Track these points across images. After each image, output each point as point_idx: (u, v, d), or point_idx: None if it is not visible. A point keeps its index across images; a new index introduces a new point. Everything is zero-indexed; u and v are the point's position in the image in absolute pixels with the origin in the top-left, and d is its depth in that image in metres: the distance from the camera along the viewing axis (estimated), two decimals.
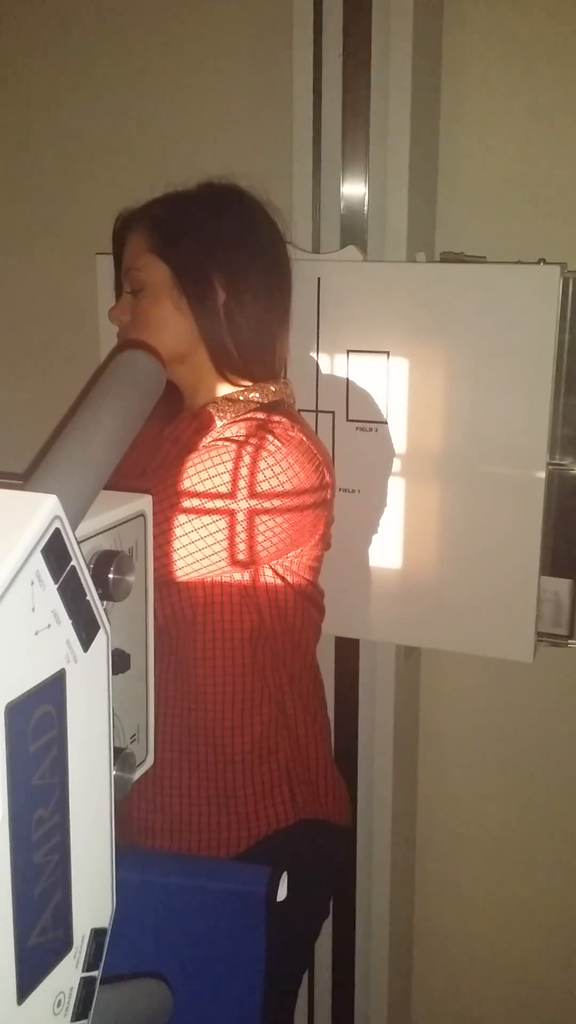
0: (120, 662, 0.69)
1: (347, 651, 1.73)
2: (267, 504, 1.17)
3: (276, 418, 1.24)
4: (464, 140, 1.71)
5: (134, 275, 1.29)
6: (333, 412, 1.57)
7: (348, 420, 1.57)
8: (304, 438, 1.23)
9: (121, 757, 0.65)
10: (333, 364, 1.56)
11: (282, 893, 1.16)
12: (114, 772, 0.61)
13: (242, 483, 1.17)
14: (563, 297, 1.45)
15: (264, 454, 1.18)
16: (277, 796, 1.28)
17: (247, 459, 1.17)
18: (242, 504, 1.16)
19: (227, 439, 1.20)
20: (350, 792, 1.44)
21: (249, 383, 1.29)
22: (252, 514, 1.17)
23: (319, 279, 1.51)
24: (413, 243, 1.59)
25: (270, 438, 1.19)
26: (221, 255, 1.27)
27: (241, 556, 1.19)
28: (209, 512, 1.16)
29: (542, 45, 1.63)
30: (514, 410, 1.47)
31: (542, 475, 1.48)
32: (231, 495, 1.17)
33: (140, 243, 1.29)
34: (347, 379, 1.55)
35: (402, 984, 2.09)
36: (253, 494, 1.17)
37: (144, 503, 0.71)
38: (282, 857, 1.24)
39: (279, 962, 1.08)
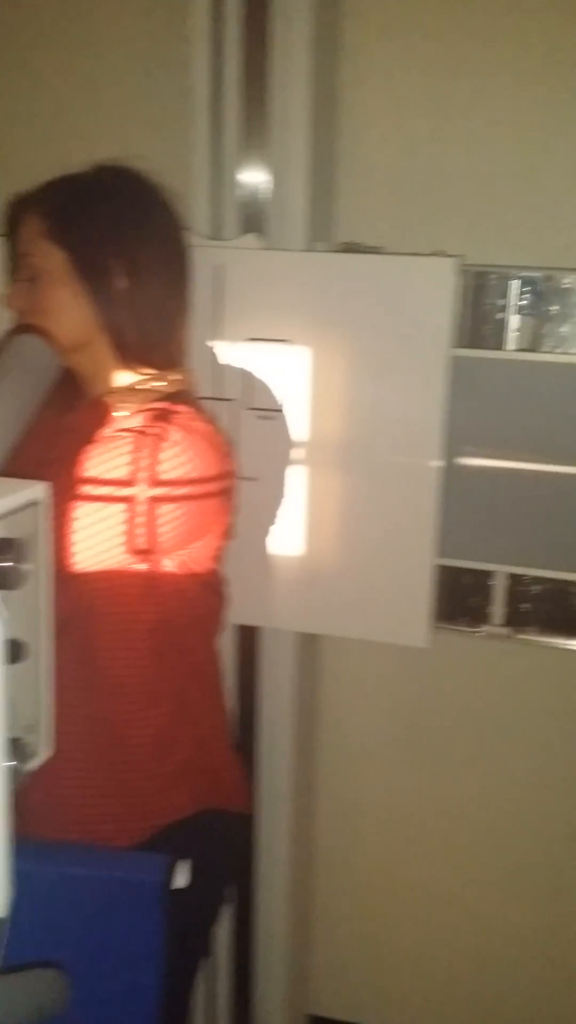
0: (16, 651, 0.68)
1: (248, 639, 1.73)
2: (169, 494, 1.16)
3: (178, 408, 1.23)
4: (363, 131, 1.72)
5: (30, 262, 1.25)
6: (234, 400, 1.57)
7: (248, 408, 1.57)
8: (207, 427, 1.23)
9: (16, 747, 0.64)
10: (234, 352, 1.55)
11: (180, 881, 1.16)
12: (9, 762, 0.60)
13: (143, 473, 1.15)
14: (458, 289, 1.48)
15: (166, 444, 1.16)
16: (177, 787, 1.27)
17: (149, 450, 1.16)
18: (143, 494, 1.15)
19: (129, 430, 1.19)
20: (249, 779, 1.45)
21: (150, 372, 1.28)
22: (154, 504, 1.16)
23: (219, 266, 1.51)
24: (313, 232, 1.60)
25: (173, 428, 1.18)
26: (120, 241, 1.25)
27: (142, 546, 1.17)
28: (110, 502, 1.15)
29: (440, 36, 1.66)
30: (411, 400, 1.50)
31: (437, 464, 1.51)
32: (132, 485, 1.15)
33: (35, 228, 1.25)
34: (248, 367, 1.55)
35: (301, 968, 2.11)
36: (155, 484, 1.16)
37: (39, 490, 0.70)
38: (180, 847, 1.24)
39: (177, 950, 1.08)
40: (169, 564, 1.24)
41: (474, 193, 1.70)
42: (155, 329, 1.27)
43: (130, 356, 1.26)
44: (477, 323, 1.61)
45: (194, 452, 1.18)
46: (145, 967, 1.03)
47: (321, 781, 2.07)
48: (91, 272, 1.24)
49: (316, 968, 2.18)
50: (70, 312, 1.24)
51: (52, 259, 1.23)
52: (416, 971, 2.12)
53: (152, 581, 1.23)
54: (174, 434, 1.17)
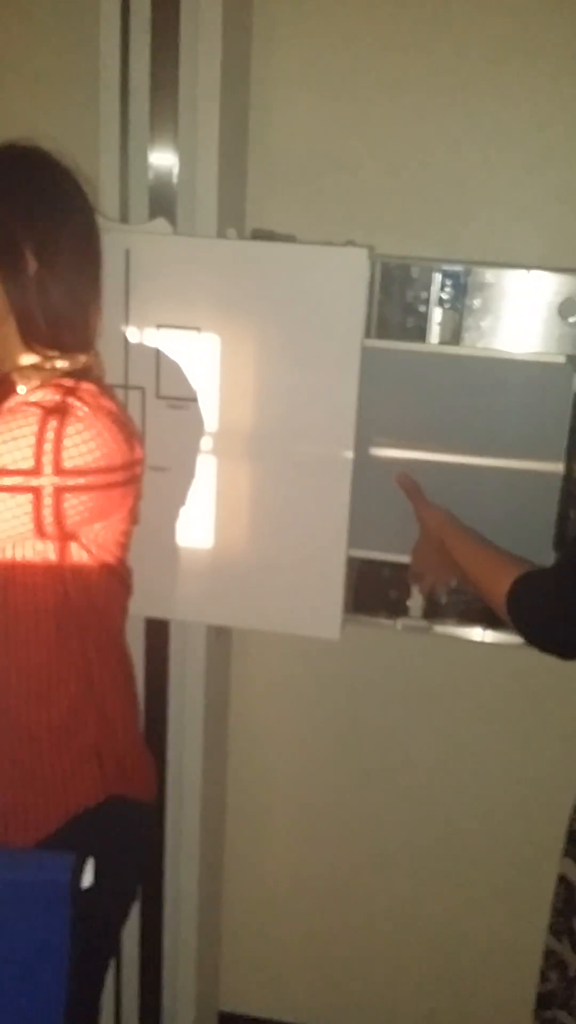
0: None
1: (157, 632, 1.71)
2: (74, 470, 1.14)
3: (84, 385, 1.21)
4: (274, 118, 1.71)
5: None
6: (143, 388, 1.54)
7: (158, 397, 1.54)
8: (112, 406, 1.21)
9: None
10: (143, 339, 1.52)
11: (87, 879, 1.14)
12: None
13: (47, 448, 1.13)
14: (370, 280, 1.48)
15: (72, 420, 1.14)
16: (86, 773, 1.25)
17: (53, 425, 1.13)
18: (47, 472, 1.13)
19: (31, 403, 1.16)
20: (160, 773, 1.43)
21: (56, 353, 1.24)
22: (58, 483, 1.13)
23: (128, 250, 1.47)
24: (223, 218, 1.58)
25: (78, 404, 1.16)
26: (30, 222, 1.21)
27: (48, 527, 1.16)
28: (12, 480, 1.12)
29: (352, 25, 1.66)
30: (323, 390, 1.49)
31: (350, 455, 1.51)
32: (36, 462, 1.13)
33: None
34: (157, 354, 1.53)
35: (211, 964, 2.10)
36: (59, 461, 1.13)
37: None
38: (91, 838, 1.22)
39: (85, 951, 1.06)
40: (73, 547, 1.22)
41: (388, 184, 1.70)
42: (65, 312, 1.24)
43: (38, 339, 1.23)
44: (402, 315, 1.62)
45: (101, 429, 1.17)
46: (52, 967, 1.01)
47: (231, 775, 2.06)
48: (2, 255, 1.20)
49: (226, 964, 2.17)
50: None
51: None
52: (327, 965, 2.13)
53: (55, 563, 1.22)
54: (80, 411, 1.16)
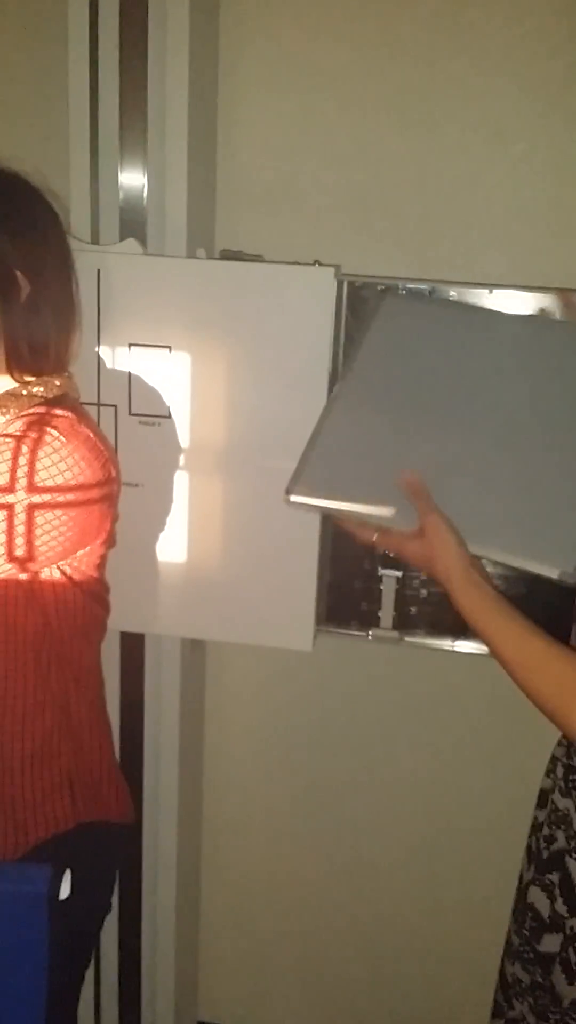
0: None
1: (132, 646, 1.72)
2: (51, 500, 1.15)
3: (59, 412, 1.20)
4: (242, 139, 1.74)
5: None
6: (115, 406, 1.57)
7: (131, 414, 1.57)
8: (90, 433, 1.21)
9: None
10: (115, 357, 1.55)
11: (64, 891, 1.15)
12: None
13: (22, 480, 1.13)
14: (337, 298, 1.51)
15: (48, 450, 1.15)
16: (56, 800, 1.25)
17: (28, 455, 1.14)
18: (23, 501, 1.13)
19: (7, 435, 1.17)
20: (136, 788, 1.44)
21: (32, 378, 1.25)
22: (33, 511, 1.14)
23: (99, 270, 1.50)
24: (193, 239, 1.61)
25: (54, 432, 1.16)
26: (21, 246, 1.20)
27: (20, 554, 1.16)
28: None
29: (316, 49, 1.69)
30: (293, 406, 1.51)
31: None
32: (11, 492, 1.13)
33: None
34: (129, 373, 1.55)
35: (189, 975, 2.11)
36: (34, 490, 1.14)
37: None
38: (62, 858, 1.22)
39: (61, 960, 1.07)
40: (53, 573, 1.22)
41: (354, 204, 1.73)
42: (51, 337, 1.24)
43: (22, 365, 1.22)
44: None
45: (77, 458, 1.17)
46: (31, 978, 1.02)
47: (207, 786, 2.07)
48: (36, 286, 1.20)
49: (204, 974, 2.18)
50: None
51: None
52: (304, 974, 2.14)
53: (35, 590, 1.21)
54: (56, 441, 1.16)
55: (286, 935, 2.13)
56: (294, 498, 1.24)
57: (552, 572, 1.14)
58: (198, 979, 2.18)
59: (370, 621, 1.73)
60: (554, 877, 1.26)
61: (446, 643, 1.71)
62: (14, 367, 1.22)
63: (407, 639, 1.72)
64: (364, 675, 1.93)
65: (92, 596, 1.29)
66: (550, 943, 1.25)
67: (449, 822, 1.99)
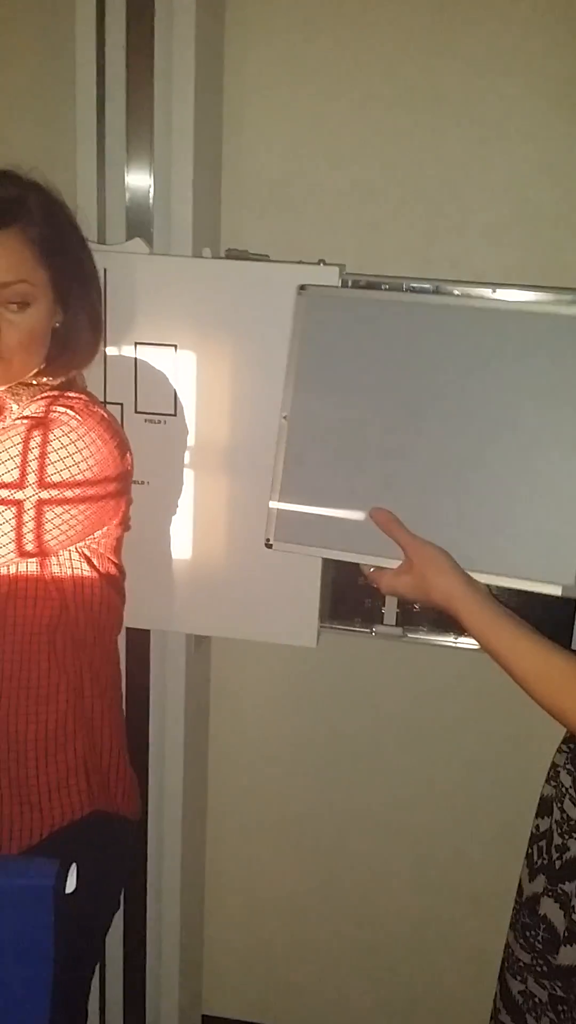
0: None
1: (137, 642, 1.73)
2: (60, 483, 1.16)
3: (73, 394, 1.24)
4: (247, 140, 1.74)
5: (22, 289, 1.16)
6: (121, 404, 1.58)
7: (136, 412, 1.58)
8: (103, 413, 1.24)
9: None
10: (121, 355, 1.56)
11: (70, 885, 1.17)
12: None
13: (45, 462, 1.15)
14: None
15: (66, 429, 1.17)
16: (72, 786, 1.27)
17: (49, 437, 1.16)
18: (31, 484, 1.15)
19: (26, 418, 1.18)
20: (141, 784, 1.45)
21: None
22: (42, 497, 1.16)
23: (105, 270, 1.51)
24: (198, 238, 1.62)
25: (71, 412, 1.18)
26: (80, 252, 1.25)
27: (27, 544, 1.17)
28: (10, 493, 1.15)
29: (320, 50, 1.69)
30: None
31: None
32: (34, 476, 1.15)
33: (22, 253, 1.16)
34: (135, 371, 1.56)
35: (194, 969, 2.12)
36: (43, 475, 1.15)
37: None
38: (75, 850, 1.23)
39: (68, 956, 1.08)
40: (72, 556, 1.24)
41: (359, 204, 1.74)
42: (88, 340, 1.28)
43: (58, 367, 1.25)
44: None
45: (94, 437, 1.19)
46: (37, 973, 1.03)
47: (212, 782, 2.08)
48: (69, 292, 1.23)
49: (209, 968, 2.20)
50: (46, 336, 1.22)
51: (40, 283, 1.18)
52: (309, 968, 2.15)
53: (55, 576, 1.23)
54: (73, 420, 1.18)
55: (291, 930, 2.14)
56: (275, 546, 1.24)
57: (555, 590, 1.12)
58: (203, 974, 2.19)
59: (374, 618, 1.74)
60: (569, 887, 1.22)
61: (449, 639, 1.72)
62: (50, 371, 1.25)
63: (410, 635, 1.73)
64: (368, 671, 1.94)
65: (109, 581, 1.30)
66: (570, 956, 1.20)
67: (453, 817, 2.00)
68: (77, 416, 1.18)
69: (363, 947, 2.11)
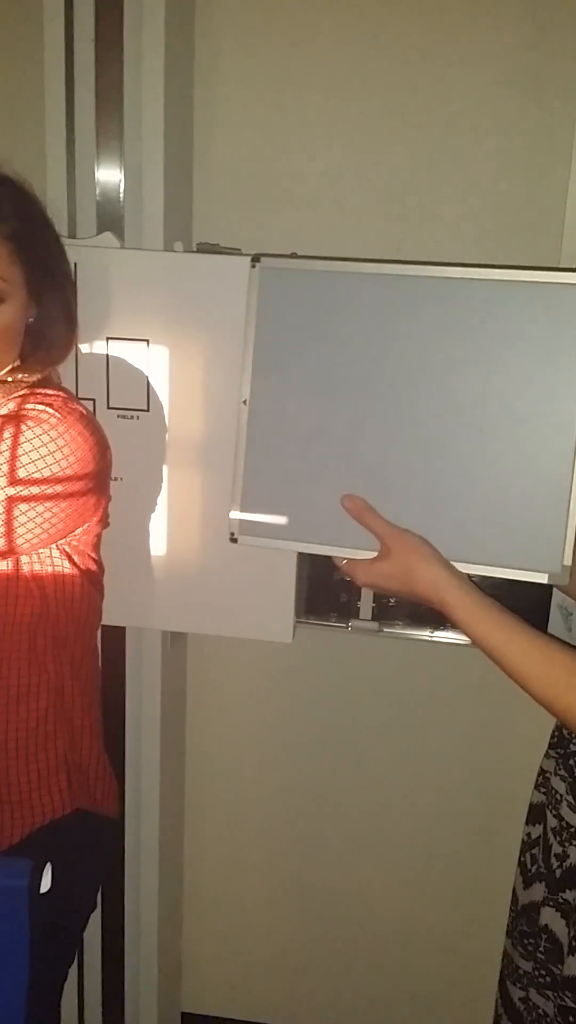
0: None
1: (113, 639, 1.72)
2: (32, 480, 1.15)
3: (51, 391, 1.23)
4: (218, 133, 1.74)
5: None
6: (94, 399, 1.56)
7: (109, 408, 1.56)
8: (82, 410, 1.23)
9: None
10: (92, 351, 1.55)
11: (45, 885, 1.16)
12: None
13: (17, 460, 1.14)
14: None
15: (46, 427, 1.16)
16: (53, 785, 1.26)
17: (28, 435, 1.15)
18: (19, 481, 1.14)
19: (4, 416, 1.18)
20: (118, 782, 1.45)
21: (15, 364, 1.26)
22: (36, 491, 1.15)
23: (75, 264, 1.50)
24: (170, 232, 1.61)
25: (50, 410, 1.18)
26: (53, 247, 1.25)
27: (22, 539, 1.17)
28: None
29: (292, 43, 1.69)
30: None
31: None
32: (5, 473, 1.14)
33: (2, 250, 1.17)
34: (107, 366, 1.55)
35: (172, 966, 2.12)
36: (36, 471, 1.15)
37: None
38: (56, 849, 1.23)
39: (44, 955, 1.07)
40: (52, 554, 1.23)
41: (330, 196, 1.74)
42: (63, 336, 1.28)
43: (33, 364, 1.25)
44: None
45: (75, 434, 1.18)
46: (12, 972, 1.02)
47: (190, 780, 2.07)
48: (43, 287, 1.22)
49: (188, 965, 2.19)
50: (20, 333, 1.22)
51: (15, 279, 1.19)
52: (287, 964, 2.16)
53: (36, 574, 1.23)
54: (50, 416, 1.17)
55: (269, 926, 2.14)
56: (241, 540, 1.19)
57: (541, 577, 1.07)
58: (182, 971, 2.19)
59: (349, 612, 1.74)
60: (571, 895, 1.19)
61: (424, 633, 1.72)
62: (25, 367, 1.24)
63: (386, 630, 1.73)
64: (344, 666, 1.94)
65: (89, 578, 1.30)
66: (572, 967, 1.16)
67: (430, 809, 2.01)
68: (56, 413, 1.18)
69: (342, 944, 2.12)
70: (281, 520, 1.20)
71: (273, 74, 1.70)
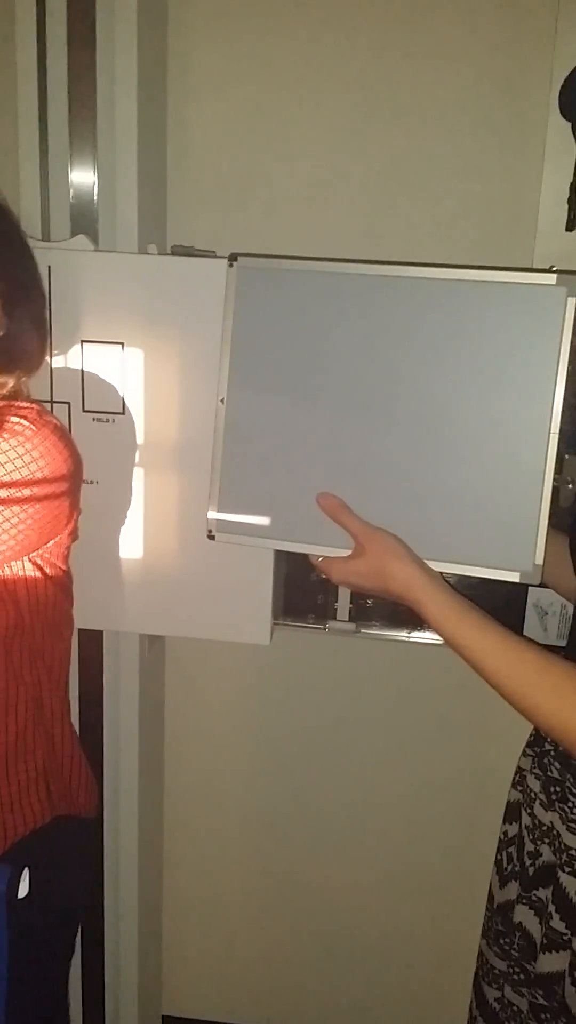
0: None
1: (90, 643, 1.72)
2: (21, 496, 1.15)
3: (24, 404, 1.23)
4: (192, 135, 1.74)
5: None
6: (69, 403, 1.56)
7: (84, 411, 1.56)
8: (56, 422, 1.23)
9: None
10: (67, 354, 1.54)
11: (23, 890, 1.15)
12: None
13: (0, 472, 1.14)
14: None
15: (21, 439, 1.16)
16: (33, 795, 1.26)
17: (4, 445, 1.15)
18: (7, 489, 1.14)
19: None
20: (97, 783, 1.44)
21: None
22: (8, 499, 1.15)
23: (49, 267, 1.49)
24: (144, 235, 1.61)
25: (24, 423, 1.17)
26: (27, 261, 1.25)
27: (4, 549, 1.16)
28: None
29: (265, 44, 1.69)
30: None
31: None
32: None
33: None
34: (82, 369, 1.54)
35: (153, 965, 2.11)
36: (11, 481, 1.14)
37: None
38: (38, 858, 1.22)
39: (27, 960, 1.07)
40: (25, 566, 1.23)
41: (306, 197, 1.74)
42: (35, 347, 1.27)
43: (4, 376, 1.24)
44: None
45: (49, 447, 1.18)
46: None
47: (168, 781, 2.07)
48: (16, 300, 1.22)
49: (168, 968, 2.19)
50: None
51: None
52: (267, 965, 2.16)
53: (6, 585, 1.22)
54: (25, 428, 1.17)
55: (249, 928, 2.14)
56: (218, 537, 1.20)
57: (513, 576, 1.09)
58: (162, 974, 2.18)
59: (327, 614, 1.75)
60: (544, 894, 1.20)
61: (402, 634, 1.73)
62: None
63: (363, 631, 1.73)
64: (322, 667, 1.95)
65: (61, 589, 1.30)
66: (550, 963, 1.17)
67: (409, 808, 2.01)
68: (31, 425, 1.17)
69: (324, 944, 2.12)
70: (258, 518, 1.21)
71: (247, 75, 1.71)
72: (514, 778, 1.31)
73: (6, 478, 1.14)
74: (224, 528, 1.22)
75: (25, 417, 1.18)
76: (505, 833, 1.31)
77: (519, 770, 1.30)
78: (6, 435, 1.15)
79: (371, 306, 1.18)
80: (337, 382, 1.18)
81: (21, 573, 1.22)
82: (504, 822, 1.32)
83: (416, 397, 1.16)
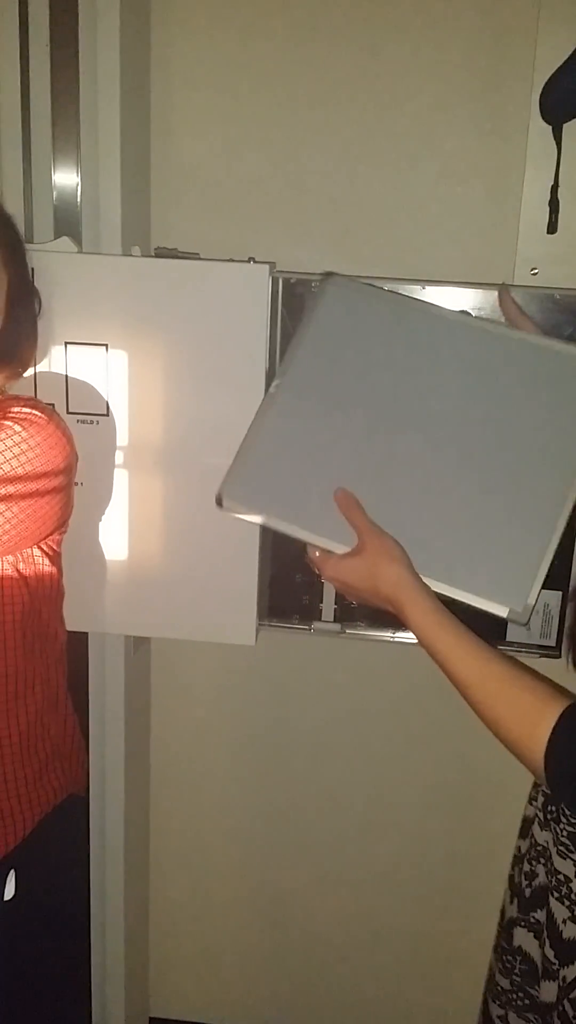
0: None
1: (75, 645, 1.72)
2: (7, 477, 1.18)
3: (23, 397, 1.26)
4: (175, 136, 1.74)
5: None
6: (53, 405, 1.56)
7: (68, 412, 1.56)
8: (51, 415, 1.26)
9: None
10: (51, 356, 1.54)
11: (9, 891, 1.16)
12: None
13: (14, 461, 1.17)
14: (272, 295, 1.52)
15: (24, 435, 1.19)
16: (52, 774, 1.30)
17: (16, 437, 1.18)
18: (20, 481, 1.17)
19: None
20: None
21: None
22: (19, 489, 1.17)
23: (32, 269, 1.49)
24: (128, 237, 1.61)
25: (36, 412, 1.21)
26: (24, 253, 1.29)
27: (15, 535, 1.20)
28: None
29: (248, 47, 1.69)
30: (230, 402, 1.52)
31: None
32: (10, 474, 1.17)
33: None
34: (66, 371, 1.54)
35: (140, 966, 2.11)
36: (25, 468, 1.18)
37: None
38: (58, 837, 1.28)
39: (19, 957, 1.08)
40: (34, 552, 1.26)
41: (290, 200, 1.75)
42: (27, 347, 1.32)
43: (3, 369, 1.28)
44: None
45: (56, 438, 1.22)
46: None
47: (154, 781, 2.07)
48: (19, 295, 1.26)
49: (155, 969, 2.19)
50: None
51: (2, 286, 1.23)
52: (255, 966, 2.16)
53: (22, 569, 1.25)
54: (40, 418, 1.21)
55: (236, 929, 2.14)
56: (226, 504, 1.21)
57: (501, 611, 1.10)
58: (149, 975, 2.18)
59: (312, 614, 1.75)
60: (540, 916, 1.18)
61: (387, 634, 1.73)
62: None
63: (348, 631, 1.74)
64: (307, 667, 1.95)
65: (61, 577, 1.34)
66: (546, 992, 1.14)
67: (392, 808, 2.02)
68: (42, 415, 1.21)
69: (311, 946, 2.12)
70: (271, 498, 1.20)
71: (231, 76, 1.71)
72: (531, 792, 1.28)
73: (21, 467, 1.17)
74: (233, 497, 1.21)
75: (35, 407, 1.22)
76: (519, 848, 1.28)
77: (535, 784, 1.27)
78: (24, 423, 1.18)
79: (436, 344, 1.24)
80: (387, 400, 1.22)
81: (32, 558, 1.26)
82: (519, 836, 1.29)
83: (456, 430, 1.20)
